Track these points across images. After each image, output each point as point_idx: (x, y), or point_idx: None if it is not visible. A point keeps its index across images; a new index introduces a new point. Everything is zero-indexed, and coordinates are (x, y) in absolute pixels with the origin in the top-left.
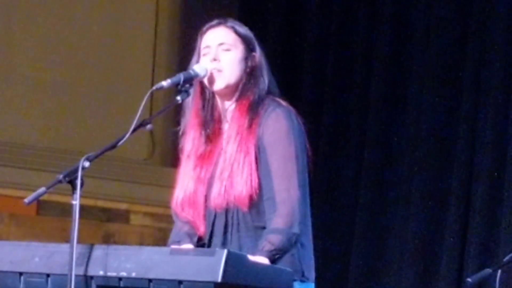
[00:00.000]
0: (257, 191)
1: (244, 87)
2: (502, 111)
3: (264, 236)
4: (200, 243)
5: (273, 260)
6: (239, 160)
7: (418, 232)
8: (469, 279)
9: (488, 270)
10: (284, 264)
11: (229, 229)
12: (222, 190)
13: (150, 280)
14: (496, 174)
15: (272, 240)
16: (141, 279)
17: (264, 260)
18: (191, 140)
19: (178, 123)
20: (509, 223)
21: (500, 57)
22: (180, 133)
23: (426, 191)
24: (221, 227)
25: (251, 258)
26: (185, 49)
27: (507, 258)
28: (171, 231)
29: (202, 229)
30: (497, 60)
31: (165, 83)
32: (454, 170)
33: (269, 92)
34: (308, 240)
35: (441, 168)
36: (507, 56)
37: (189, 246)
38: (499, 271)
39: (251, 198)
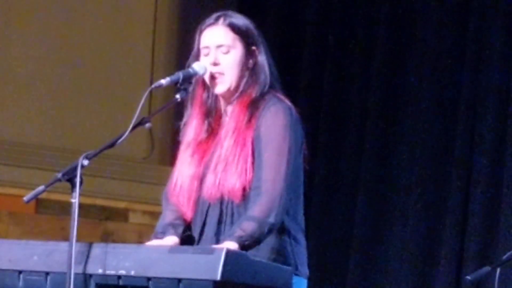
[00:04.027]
0: (251, 184)
1: (245, 84)
2: (500, 113)
3: (238, 223)
4: (185, 234)
5: (243, 247)
6: (235, 153)
7: (417, 230)
8: (468, 277)
9: (487, 268)
10: (277, 258)
11: (223, 220)
12: (217, 182)
13: (149, 279)
14: (494, 173)
15: (244, 227)
16: (140, 277)
17: (233, 245)
18: (193, 129)
19: (181, 115)
20: (508, 221)
21: (498, 58)
22: (183, 122)
23: (425, 190)
24: (215, 217)
25: (225, 244)
26: (183, 48)
27: (506, 256)
28: (158, 221)
29: (189, 215)
30: (495, 62)
31: (164, 81)
32: (453, 169)
33: (271, 86)
34: (302, 237)
35: (440, 168)
36: (505, 57)
37: (173, 237)
38: (498, 269)
39: (244, 190)
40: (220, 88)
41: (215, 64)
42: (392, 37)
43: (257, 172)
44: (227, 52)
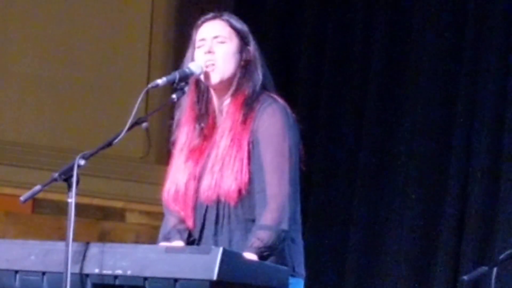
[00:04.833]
0: (247, 186)
1: (239, 81)
2: (498, 111)
3: (253, 232)
4: (190, 239)
5: (261, 257)
6: (231, 155)
7: (414, 231)
8: (465, 277)
9: (484, 268)
10: (275, 259)
11: (220, 221)
12: (213, 184)
13: (145, 278)
14: (492, 172)
15: (261, 237)
16: (137, 277)
17: (252, 257)
18: (184, 134)
19: (172, 115)
20: (505, 221)
21: (497, 56)
22: (174, 125)
23: (423, 189)
24: (212, 219)
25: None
26: (180, 48)
27: (503, 256)
28: (162, 225)
29: (190, 222)
30: (493, 61)
31: (160, 81)
32: (450, 168)
33: (264, 87)
34: (299, 237)
35: (438, 167)
36: (503, 54)
37: (180, 243)
38: (495, 269)
39: (239, 192)
40: (214, 78)
41: (209, 52)
42: (391, 36)
43: (260, 176)
44: (222, 42)
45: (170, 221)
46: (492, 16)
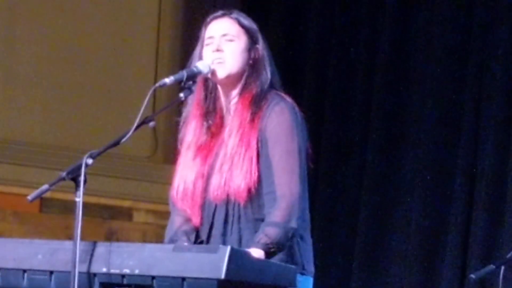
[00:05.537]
0: (256, 184)
1: (247, 79)
2: (504, 109)
3: (261, 228)
4: (198, 241)
5: (268, 254)
6: (240, 154)
7: (422, 228)
8: (472, 275)
9: (491, 267)
10: (285, 257)
11: (230, 220)
12: (222, 183)
13: (153, 277)
14: (499, 170)
15: (269, 233)
16: (144, 276)
17: (259, 253)
18: (192, 131)
19: (180, 113)
20: None
21: (502, 59)
22: (181, 123)
23: (430, 187)
24: (221, 218)
25: (251, 251)
26: (188, 46)
27: (510, 254)
28: (167, 225)
29: (197, 220)
30: (499, 63)
31: (168, 80)
32: (457, 166)
33: (272, 85)
34: (308, 234)
35: (444, 165)
36: (509, 57)
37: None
38: (503, 267)
39: (249, 191)
40: (220, 73)
41: (217, 50)
42: (396, 35)
43: (269, 176)
44: (230, 40)
45: (176, 222)
46: (499, 13)
